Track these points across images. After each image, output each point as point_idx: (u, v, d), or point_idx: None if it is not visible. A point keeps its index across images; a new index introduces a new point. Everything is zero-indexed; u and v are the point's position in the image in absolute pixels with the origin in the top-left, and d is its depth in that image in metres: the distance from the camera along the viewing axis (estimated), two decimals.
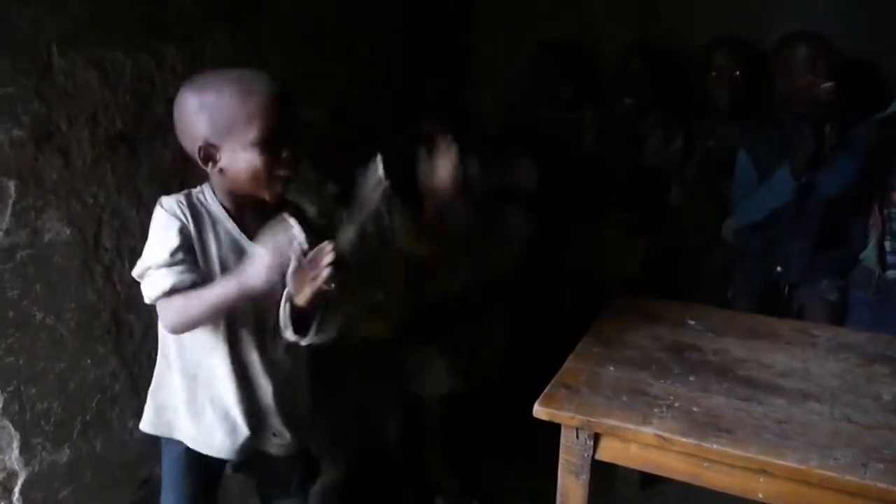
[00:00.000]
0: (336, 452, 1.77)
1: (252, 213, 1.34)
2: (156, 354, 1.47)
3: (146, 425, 1.45)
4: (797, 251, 2.26)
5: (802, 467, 1.28)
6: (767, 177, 2.27)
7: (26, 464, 1.54)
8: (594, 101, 2.86)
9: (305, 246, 1.22)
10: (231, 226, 1.32)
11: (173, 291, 1.25)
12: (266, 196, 1.30)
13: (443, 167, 1.59)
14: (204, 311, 1.26)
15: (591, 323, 1.80)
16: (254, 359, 1.36)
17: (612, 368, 1.59)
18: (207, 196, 1.33)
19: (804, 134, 2.13)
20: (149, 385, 1.47)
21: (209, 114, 1.24)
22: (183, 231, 1.27)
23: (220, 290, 1.24)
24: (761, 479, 1.33)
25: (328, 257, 1.20)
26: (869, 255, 2.18)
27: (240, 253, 1.31)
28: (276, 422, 1.40)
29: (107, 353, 1.66)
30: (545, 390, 1.50)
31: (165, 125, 1.71)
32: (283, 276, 1.22)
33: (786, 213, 2.24)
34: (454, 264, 1.97)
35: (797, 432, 1.37)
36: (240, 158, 1.25)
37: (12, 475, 1.53)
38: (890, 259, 2.15)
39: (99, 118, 1.56)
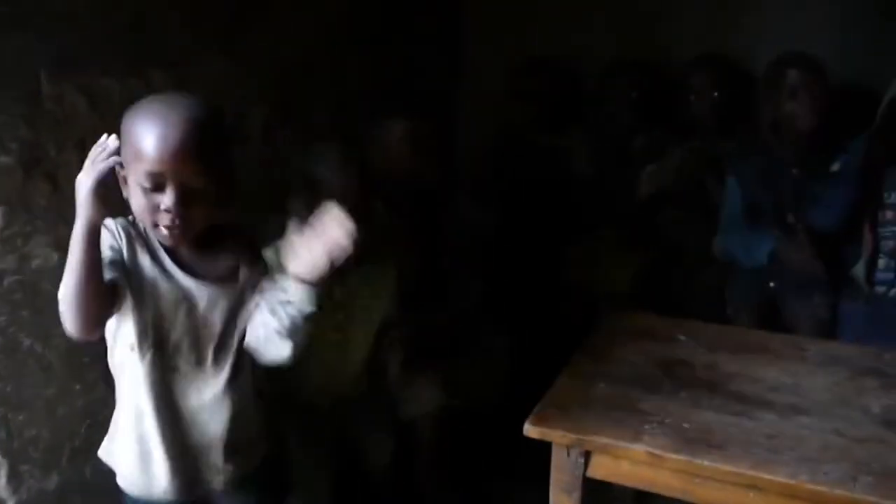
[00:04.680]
0: (310, 479, 1.75)
1: (190, 245, 1.29)
2: None
3: (103, 451, 1.42)
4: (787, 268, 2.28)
5: (792, 482, 1.28)
6: (756, 198, 2.30)
7: (14, 491, 1.53)
8: (582, 119, 2.88)
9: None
10: (164, 256, 1.27)
11: None
12: (156, 237, 1.26)
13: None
14: (69, 279, 1.18)
15: (582, 341, 1.80)
16: (191, 389, 1.31)
17: (602, 385, 1.59)
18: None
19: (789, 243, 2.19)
20: None
21: (124, 140, 1.21)
22: (112, 248, 1.23)
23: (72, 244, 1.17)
24: (752, 495, 1.33)
25: (343, 221, 1.20)
26: (859, 270, 2.19)
27: (174, 285, 1.27)
28: (216, 458, 1.35)
29: (95, 379, 1.65)
30: (535, 409, 1.49)
31: None
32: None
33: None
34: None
35: (787, 447, 1.36)
36: (132, 192, 1.21)
37: (0, 503, 1.52)
38: (879, 276, 2.17)
39: (87, 144, 1.54)
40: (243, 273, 1.33)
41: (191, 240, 1.27)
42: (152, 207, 1.20)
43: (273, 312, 1.28)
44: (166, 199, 1.19)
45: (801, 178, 2.26)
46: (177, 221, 1.21)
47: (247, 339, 1.32)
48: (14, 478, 1.53)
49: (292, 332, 1.28)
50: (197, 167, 1.19)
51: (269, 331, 1.29)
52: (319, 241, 1.23)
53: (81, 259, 1.15)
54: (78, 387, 1.62)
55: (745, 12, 2.71)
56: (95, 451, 1.66)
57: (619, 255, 2.70)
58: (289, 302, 1.27)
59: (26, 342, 1.51)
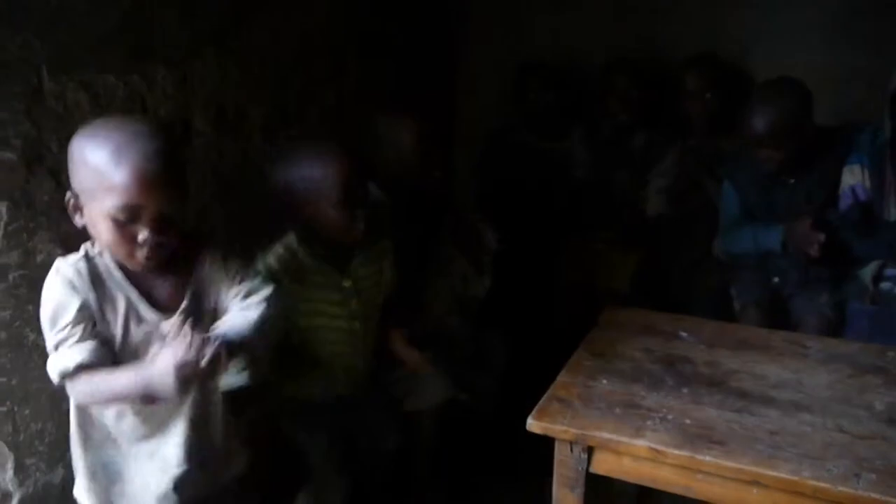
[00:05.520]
0: (320, 473, 1.75)
1: (153, 273, 1.27)
2: None
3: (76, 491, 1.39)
4: (792, 263, 2.27)
5: (795, 478, 1.28)
6: (749, 203, 2.28)
7: (20, 484, 1.54)
8: (581, 118, 2.87)
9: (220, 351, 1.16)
10: (130, 290, 1.25)
11: (78, 370, 1.20)
12: (131, 267, 1.24)
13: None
14: (110, 399, 1.23)
15: (584, 336, 1.80)
16: (157, 416, 1.30)
17: (604, 381, 1.59)
18: (105, 254, 1.25)
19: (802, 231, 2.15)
20: None
21: (80, 168, 1.18)
22: (83, 307, 1.20)
23: (126, 383, 1.19)
24: (755, 491, 1.33)
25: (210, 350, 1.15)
26: (865, 269, 2.18)
27: (140, 321, 1.25)
28: (185, 474, 1.33)
29: None
30: (538, 404, 1.49)
31: None
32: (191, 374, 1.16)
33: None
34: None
35: (790, 443, 1.36)
36: (98, 223, 1.19)
37: (6, 496, 1.53)
38: (889, 272, 2.16)
39: None
40: (208, 294, 1.32)
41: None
42: (128, 240, 1.18)
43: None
44: (144, 230, 1.17)
45: (799, 185, 2.24)
46: (155, 251, 1.20)
47: None
48: (20, 471, 1.54)
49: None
50: (173, 194, 1.19)
51: None
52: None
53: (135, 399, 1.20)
54: None
55: (742, 10, 2.69)
56: None
57: (618, 255, 2.70)
58: None
59: (31, 336, 1.51)
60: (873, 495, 1.23)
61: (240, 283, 1.34)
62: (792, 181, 2.26)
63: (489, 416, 2.21)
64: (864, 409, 1.49)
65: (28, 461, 1.55)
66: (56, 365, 1.21)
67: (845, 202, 2.17)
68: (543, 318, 2.62)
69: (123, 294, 1.25)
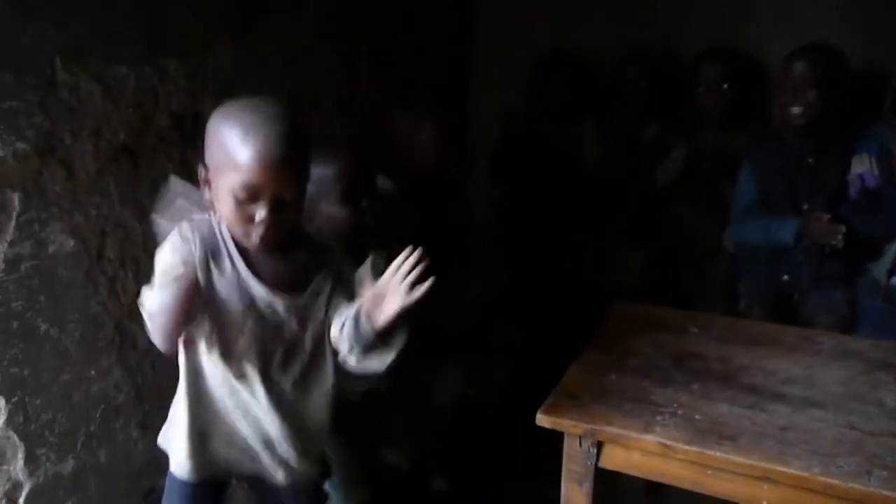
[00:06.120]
0: (352, 486, 1.76)
1: (265, 253, 1.29)
2: (159, 364, 1.47)
3: (161, 439, 1.44)
4: (805, 260, 2.26)
5: (806, 475, 1.27)
6: (768, 191, 2.28)
7: (31, 474, 1.55)
8: (593, 111, 2.86)
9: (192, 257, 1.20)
10: (240, 263, 1.27)
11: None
12: (247, 245, 1.26)
13: None
14: (161, 306, 1.23)
15: (594, 330, 1.80)
16: (258, 391, 1.32)
17: (614, 376, 1.59)
18: (223, 225, 1.28)
19: (816, 218, 2.15)
20: (152, 395, 1.47)
21: (213, 143, 1.23)
22: (186, 262, 1.23)
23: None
24: (765, 487, 1.32)
25: (419, 264, 1.19)
26: (879, 265, 2.17)
27: (242, 293, 1.27)
28: (282, 453, 1.36)
29: (111, 364, 1.67)
30: (548, 399, 1.49)
31: (168, 138, 1.73)
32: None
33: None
34: None
35: (800, 439, 1.36)
36: (222, 198, 1.23)
37: (17, 486, 1.54)
38: None
39: (102, 131, 1.58)
40: (314, 278, 1.33)
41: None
42: (246, 218, 1.21)
43: (352, 336, 1.28)
44: (261, 210, 1.21)
45: (817, 166, 2.24)
46: (270, 232, 1.22)
47: (337, 350, 1.32)
48: (31, 461, 1.55)
49: (373, 351, 1.29)
50: (293, 179, 1.22)
51: (353, 347, 1.28)
52: (392, 301, 1.22)
53: (178, 298, 1.21)
54: (93, 372, 1.64)
55: (759, 3, 2.68)
56: (110, 435, 1.69)
57: (629, 248, 2.69)
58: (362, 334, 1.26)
59: (43, 327, 1.52)
60: (884, 492, 1.23)
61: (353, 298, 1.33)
62: (811, 161, 2.25)
63: (497, 409, 2.21)
64: (876, 405, 1.48)
65: (39, 451, 1.56)
66: (145, 299, 1.24)
67: (854, 189, 2.19)
68: (553, 313, 2.61)
69: (232, 263, 1.27)
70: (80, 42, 1.51)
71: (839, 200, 2.19)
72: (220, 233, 1.27)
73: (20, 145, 1.43)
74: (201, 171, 1.26)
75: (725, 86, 2.56)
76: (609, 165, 2.76)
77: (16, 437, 1.52)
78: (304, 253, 1.34)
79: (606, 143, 2.79)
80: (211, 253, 1.26)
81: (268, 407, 1.33)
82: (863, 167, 2.17)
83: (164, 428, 1.43)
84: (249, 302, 1.27)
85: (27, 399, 1.52)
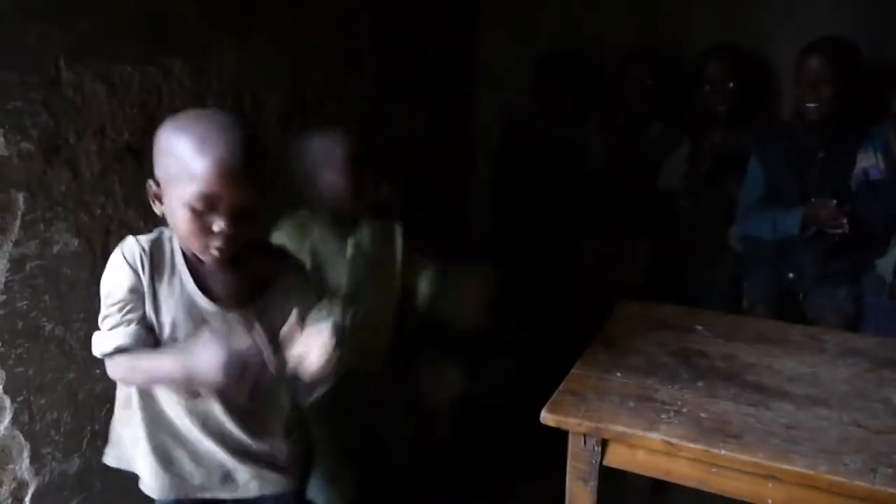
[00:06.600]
0: (334, 464, 1.75)
1: (221, 267, 1.27)
2: None
3: (110, 459, 1.41)
4: (810, 258, 2.25)
5: (811, 473, 1.27)
6: (776, 185, 2.27)
7: (36, 473, 1.56)
8: (597, 110, 2.86)
9: (269, 359, 1.15)
10: (188, 280, 1.25)
11: (118, 352, 1.23)
12: (203, 259, 1.24)
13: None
14: (148, 381, 1.25)
15: (598, 329, 1.80)
16: (215, 407, 1.30)
17: (619, 374, 1.59)
18: (174, 241, 1.26)
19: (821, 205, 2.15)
20: None
21: (165, 156, 1.19)
22: (134, 288, 1.22)
23: (167, 367, 1.20)
24: (770, 485, 1.32)
25: (332, 339, 1.14)
26: (884, 262, 2.17)
27: (192, 312, 1.25)
28: (250, 464, 1.35)
29: None
30: (552, 397, 1.49)
31: None
32: (236, 381, 1.14)
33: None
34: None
35: (806, 438, 1.36)
36: (175, 211, 1.19)
37: (23, 485, 1.54)
38: None
39: (107, 131, 1.58)
40: (269, 289, 1.32)
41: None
42: (203, 230, 1.18)
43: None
44: (219, 221, 1.18)
45: (827, 161, 2.24)
46: (229, 243, 1.20)
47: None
48: (36, 460, 1.55)
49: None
50: (251, 188, 1.19)
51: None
52: (311, 351, 1.17)
53: (174, 384, 1.22)
54: (98, 371, 1.63)
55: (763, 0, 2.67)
56: None
57: (633, 247, 2.68)
58: None
59: (47, 326, 1.52)
60: (890, 490, 1.23)
61: (316, 307, 1.32)
62: (821, 155, 2.25)
63: (501, 407, 2.20)
64: (881, 403, 1.48)
65: (44, 451, 1.56)
66: (97, 344, 1.25)
67: (858, 183, 2.19)
68: (556, 311, 2.61)
69: (180, 281, 1.25)
70: (85, 41, 1.51)
71: (847, 195, 2.19)
72: (171, 249, 1.25)
73: (25, 145, 1.43)
74: (150, 187, 1.23)
75: (730, 84, 2.56)
76: (613, 164, 2.75)
77: (21, 437, 1.52)
78: (258, 264, 1.31)
79: (610, 142, 2.78)
80: (159, 269, 1.24)
81: (228, 420, 1.31)
82: (868, 161, 2.18)
83: (108, 448, 1.40)
84: (200, 319, 1.25)
85: (32, 398, 1.52)
